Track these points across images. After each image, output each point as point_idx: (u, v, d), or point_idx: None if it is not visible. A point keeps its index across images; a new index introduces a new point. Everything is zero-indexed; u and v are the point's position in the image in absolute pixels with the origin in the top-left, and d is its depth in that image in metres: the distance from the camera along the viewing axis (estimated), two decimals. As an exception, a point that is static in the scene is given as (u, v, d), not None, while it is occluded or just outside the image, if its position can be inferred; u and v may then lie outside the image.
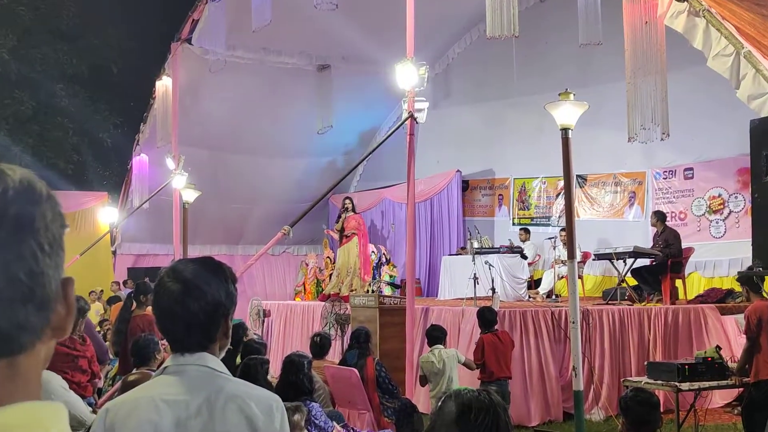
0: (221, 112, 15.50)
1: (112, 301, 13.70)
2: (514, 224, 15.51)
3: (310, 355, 6.11)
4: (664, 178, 13.26)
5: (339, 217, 14.85)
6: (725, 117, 11.41)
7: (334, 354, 10.52)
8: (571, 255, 6.22)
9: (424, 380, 7.79)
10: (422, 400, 8.63)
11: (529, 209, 15.57)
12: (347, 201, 14.90)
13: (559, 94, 6.12)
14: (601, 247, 11.76)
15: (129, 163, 17.18)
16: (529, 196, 15.57)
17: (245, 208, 17.82)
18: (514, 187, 15.86)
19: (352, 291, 13.62)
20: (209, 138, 15.85)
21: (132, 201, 16.48)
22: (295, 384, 5.57)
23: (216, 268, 1.99)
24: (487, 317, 7.98)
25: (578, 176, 14.20)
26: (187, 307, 1.91)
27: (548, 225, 14.87)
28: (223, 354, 2.00)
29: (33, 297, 0.89)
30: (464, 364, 7.79)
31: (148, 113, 15.80)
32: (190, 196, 12.05)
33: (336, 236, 15.09)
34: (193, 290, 1.92)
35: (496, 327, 8.04)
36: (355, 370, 7.10)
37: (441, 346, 7.72)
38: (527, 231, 14.21)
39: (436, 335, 7.82)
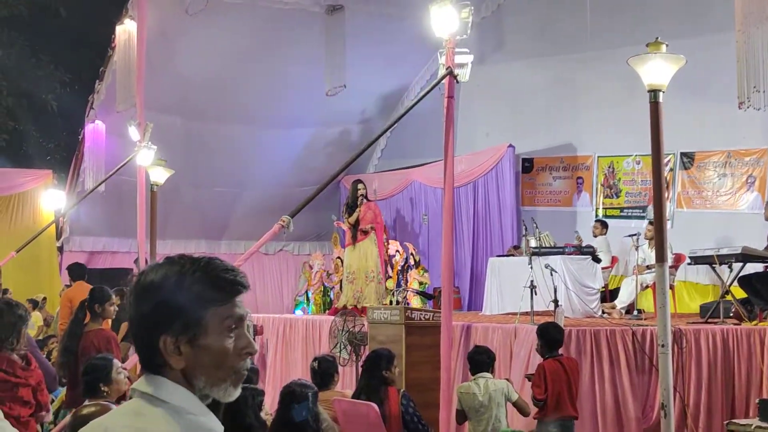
0: (201, 67, 15.55)
1: (74, 273, 13.44)
2: (597, 216, 15.53)
3: (313, 385, 6.14)
4: (790, 157, 13.27)
5: (350, 206, 14.81)
6: None
7: (350, 383, 10.58)
8: (661, 257, 6.21)
9: (462, 417, 7.85)
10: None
11: (618, 197, 15.56)
12: (360, 186, 14.87)
13: (648, 45, 6.10)
14: (720, 246, 11.73)
15: (80, 132, 17.29)
16: (619, 179, 15.56)
17: (231, 192, 17.92)
18: (598, 167, 15.84)
19: (381, 303, 13.67)
20: (185, 101, 15.91)
21: (84, 182, 16.57)
22: (293, 422, 5.61)
23: (180, 263, 2.04)
24: (553, 337, 7.98)
25: (683, 155, 14.21)
26: (135, 313, 2.03)
27: (642, 217, 14.82)
28: (215, 390, 2.03)
29: None
30: (515, 405, 7.81)
31: (106, 68, 15.85)
32: (160, 176, 12.09)
33: (348, 231, 15.13)
34: (143, 293, 2.02)
35: (560, 351, 8.05)
36: (374, 406, 7.13)
37: (488, 375, 7.76)
38: (605, 224, 14.21)
39: (480, 360, 7.86)
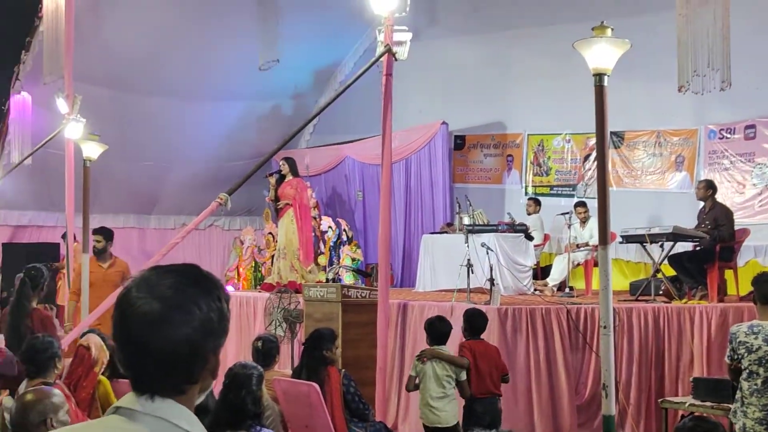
0: (131, 38, 15.25)
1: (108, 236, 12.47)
2: (527, 194, 15.62)
3: (259, 366, 6.08)
4: (720, 138, 13.43)
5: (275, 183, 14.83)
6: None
7: (286, 360, 10.54)
8: (604, 240, 6.23)
9: (413, 384, 7.97)
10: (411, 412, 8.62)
11: (548, 175, 15.67)
12: (282, 162, 14.78)
13: (593, 29, 6.09)
14: (651, 225, 11.89)
15: (5, 104, 16.89)
16: (549, 157, 15.67)
17: (161, 166, 17.64)
18: (528, 145, 15.91)
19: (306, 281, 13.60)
20: (114, 73, 15.61)
21: (9, 154, 16.22)
22: (233, 405, 5.56)
23: (203, 279, 1.90)
24: (478, 324, 8.15)
25: (613, 134, 14.37)
26: (168, 335, 1.82)
27: (572, 195, 14.97)
28: (202, 398, 1.94)
29: None
30: (458, 384, 7.83)
31: (32, 38, 15.51)
32: (93, 151, 11.80)
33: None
34: (176, 312, 1.82)
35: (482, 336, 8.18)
36: (315, 385, 7.08)
37: (446, 348, 7.89)
38: (538, 202, 14.32)
39: (442, 329, 7.95)
